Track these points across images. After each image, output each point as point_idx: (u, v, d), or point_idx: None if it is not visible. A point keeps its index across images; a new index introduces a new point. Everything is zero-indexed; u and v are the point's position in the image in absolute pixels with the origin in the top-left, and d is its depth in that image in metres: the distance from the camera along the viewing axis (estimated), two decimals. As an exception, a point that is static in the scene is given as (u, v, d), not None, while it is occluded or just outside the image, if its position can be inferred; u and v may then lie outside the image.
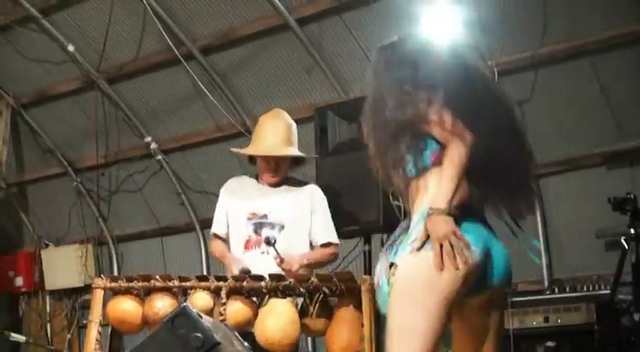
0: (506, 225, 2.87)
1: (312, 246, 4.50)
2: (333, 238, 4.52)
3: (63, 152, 8.41)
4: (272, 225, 4.41)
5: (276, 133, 4.46)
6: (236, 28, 6.83)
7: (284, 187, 4.50)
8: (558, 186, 6.02)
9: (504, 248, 2.77)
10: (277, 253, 4.22)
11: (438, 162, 2.71)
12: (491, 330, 2.77)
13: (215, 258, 4.70)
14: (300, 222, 4.43)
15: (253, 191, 4.51)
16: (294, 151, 4.49)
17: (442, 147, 2.71)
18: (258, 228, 4.43)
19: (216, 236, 4.58)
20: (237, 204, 4.48)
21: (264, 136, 4.48)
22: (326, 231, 4.50)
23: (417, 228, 2.66)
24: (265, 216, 4.42)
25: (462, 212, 2.66)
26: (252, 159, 4.59)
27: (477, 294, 2.70)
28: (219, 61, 7.09)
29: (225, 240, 4.55)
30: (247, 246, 4.43)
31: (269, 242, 4.26)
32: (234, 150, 4.93)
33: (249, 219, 4.43)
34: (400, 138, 2.73)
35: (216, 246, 4.58)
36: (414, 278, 2.59)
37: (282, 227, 4.41)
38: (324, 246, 4.48)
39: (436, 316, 2.55)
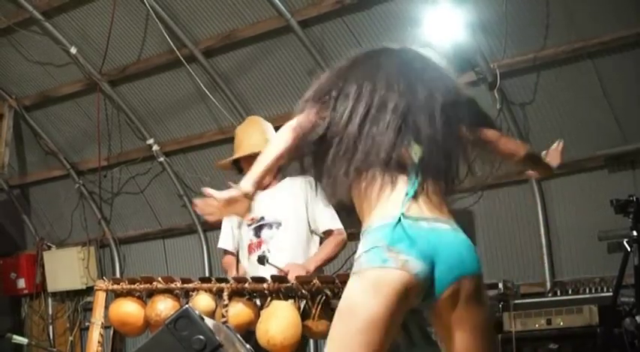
0: None
1: (312, 235, 4.49)
2: (334, 224, 4.46)
3: (65, 154, 8.42)
4: (270, 225, 4.43)
5: (251, 136, 4.56)
6: (238, 31, 6.84)
7: (277, 185, 4.52)
8: (560, 188, 6.01)
9: (458, 236, 2.56)
10: (277, 268, 4.21)
11: None
12: (470, 323, 2.57)
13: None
14: (296, 215, 4.43)
15: None
16: None
17: None
18: (257, 230, 4.45)
19: (225, 251, 4.61)
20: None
21: (241, 142, 4.57)
22: (325, 218, 4.45)
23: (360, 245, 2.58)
24: (262, 218, 4.45)
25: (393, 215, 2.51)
26: (240, 170, 4.63)
27: (439, 294, 2.52)
28: (221, 63, 7.10)
29: (234, 254, 4.58)
30: (250, 250, 4.46)
31: (262, 261, 4.28)
32: (218, 163, 4.96)
33: (249, 225, 4.47)
34: None
35: (224, 261, 4.63)
36: (348, 298, 2.54)
37: (280, 224, 4.43)
38: (326, 233, 4.46)
39: (364, 335, 2.45)
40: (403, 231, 2.50)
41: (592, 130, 5.79)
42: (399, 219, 2.51)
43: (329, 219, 4.45)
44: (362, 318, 2.45)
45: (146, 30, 7.20)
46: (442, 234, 2.55)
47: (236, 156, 4.57)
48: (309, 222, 4.46)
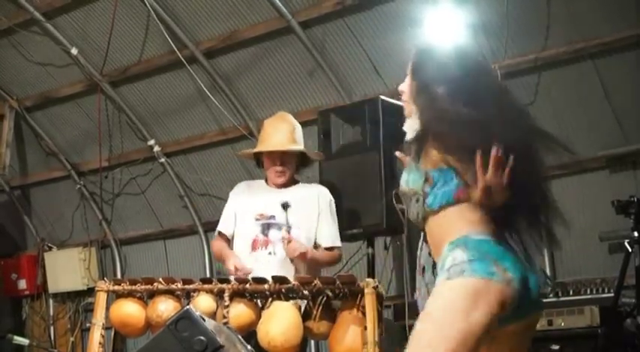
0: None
1: (316, 248, 4.52)
2: (338, 242, 4.58)
3: (66, 155, 8.42)
4: (279, 226, 4.43)
5: (280, 132, 4.52)
6: (239, 31, 6.84)
7: (292, 188, 4.52)
8: (561, 189, 6.00)
9: (536, 273, 2.75)
10: (287, 223, 4.35)
11: (460, 200, 2.59)
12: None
13: (214, 253, 4.73)
14: (307, 223, 4.46)
15: (261, 193, 4.55)
16: (299, 148, 4.52)
17: (464, 183, 2.57)
18: (265, 228, 4.45)
19: (221, 234, 4.60)
20: (245, 206, 4.51)
21: (269, 136, 4.54)
22: (331, 234, 4.55)
23: (451, 255, 2.58)
24: (273, 217, 4.44)
25: (499, 239, 2.63)
26: (259, 162, 4.63)
27: (514, 322, 2.62)
28: (222, 64, 7.10)
29: (229, 240, 4.58)
30: (254, 246, 4.46)
31: (285, 206, 4.38)
32: (241, 152, 5.01)
33: (256, 219, 4.46)
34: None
35: (217, 242, 4.61)
36: (445, 303, 2.52)
37: (290, 228, 4.43)
38: (328, 249, 4.51)
39: (458, 342, 2.45)
40: (507, 250, 2.63)
41: (593, 131, 5.79)
42: (502, 241, 2.63)
43: (334, 237, 4.56)
44: (460, 327, 2.45)
45: (147, 31, 7.20)
46: (530, 266, 2.71)
47: (258, 149, 4.56)
48: (316, 234, 4.48)
